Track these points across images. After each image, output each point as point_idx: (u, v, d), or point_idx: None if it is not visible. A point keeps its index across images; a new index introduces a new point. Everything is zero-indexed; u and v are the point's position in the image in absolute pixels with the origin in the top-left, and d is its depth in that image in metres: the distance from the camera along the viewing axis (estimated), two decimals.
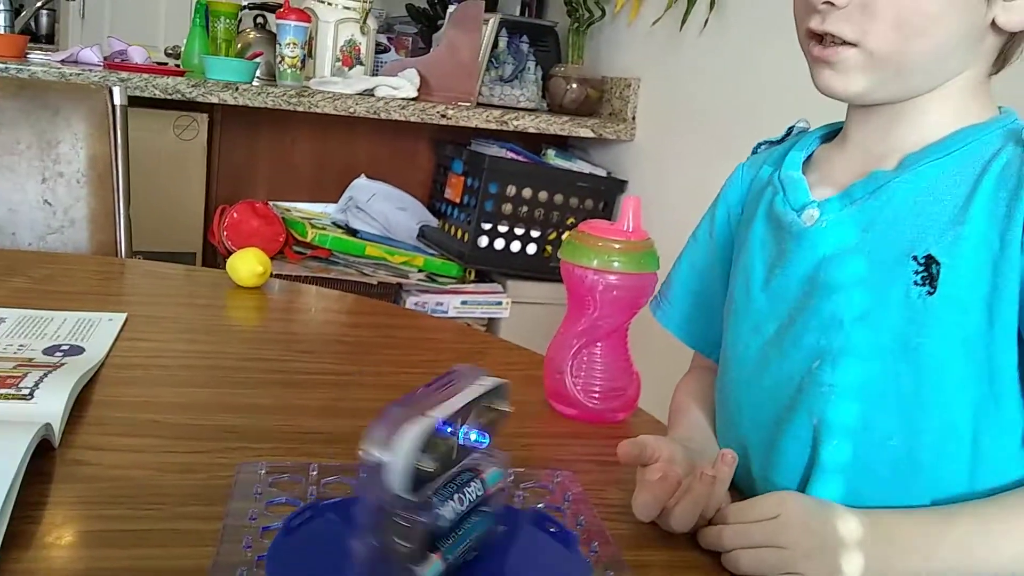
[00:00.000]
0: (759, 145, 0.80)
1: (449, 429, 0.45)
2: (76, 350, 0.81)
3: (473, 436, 0.47)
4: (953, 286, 0.59)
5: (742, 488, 0.69)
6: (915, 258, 0.61)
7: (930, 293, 0.60)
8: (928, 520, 0.59)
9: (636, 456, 0.63)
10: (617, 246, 0.78)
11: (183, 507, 0.58)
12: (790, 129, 0.78)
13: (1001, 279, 0.58)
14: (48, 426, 0.62)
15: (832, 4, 0.62)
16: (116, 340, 0.85)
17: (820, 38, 0.64)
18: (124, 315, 0.92)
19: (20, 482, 0.54)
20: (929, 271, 0.60)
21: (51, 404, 0.66)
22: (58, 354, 0.79)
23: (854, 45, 0.62)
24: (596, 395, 0.80)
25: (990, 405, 0.60)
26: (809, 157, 0.73)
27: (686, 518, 0.60)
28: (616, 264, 0.77)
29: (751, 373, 0.69)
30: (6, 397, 0.66)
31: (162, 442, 0.68)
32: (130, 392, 0.76)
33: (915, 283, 0.61)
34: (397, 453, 0.41)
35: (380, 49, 2.45)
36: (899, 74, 0.63)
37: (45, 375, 0.71)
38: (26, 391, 0.67)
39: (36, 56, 2.16)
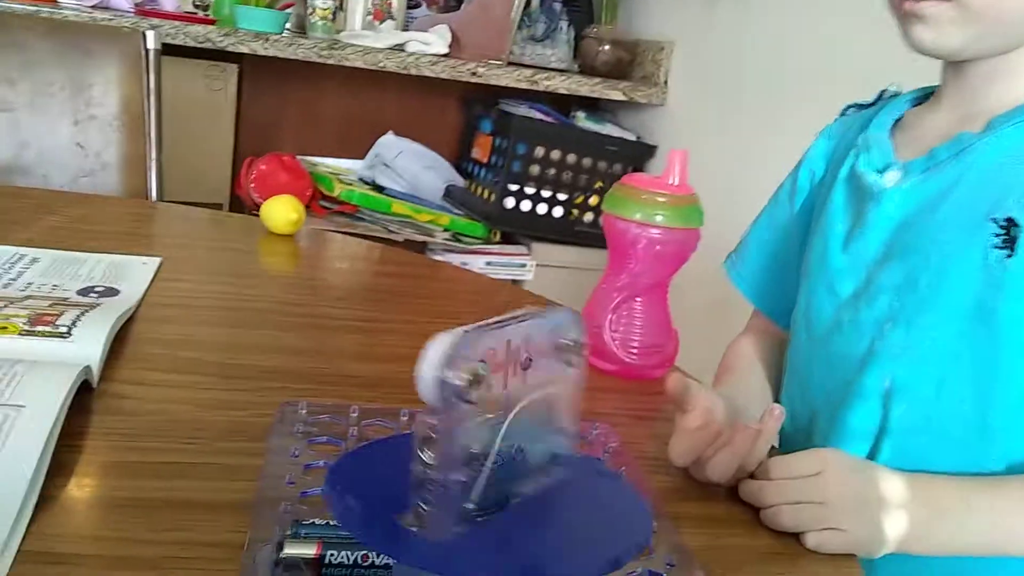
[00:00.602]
0: (848, 108, 0.79)
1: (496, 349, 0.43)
2: (111, 292, 0.80)
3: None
4: None
5: None
6: (995, 220, 0.60)
7: (1009, 256, 0.59)
8: (971, 487, 0.58)
9: (680, 393, 0.61)
10: (661, 199, 0.76)
11: (224, 442, 0.58)
12: (882, 93, 0.76)
13: None
14: (88, 368, 0.61)
15: None
16: (151, 284, 0.84)
17: None
18: (159, 259, 0.91)
19: (62, 424, 0.54)
20: (1009, 234, 0.59)
21: (89, 344, 0.65)
22: (92, 295, 0.79)
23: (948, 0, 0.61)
24: (635, 351, 0.79)
25: None
26: (899, 121, 0.71)
27: (724, 469, 0.59)
28: (659, 218, 0.76)
29: (824, 335, 0.69)
30: (44, 335, 0.65)
31: (201, 379, 0.67)
32: (168, 330, 0.76)
33: (995, 246, 0.60)
34: (424, 364, 0.40)
35: (412, 4, 2.42)
36: (994, 28, 0.62)
37: (82, 313, 0.70)
38: (63, 329, 0.66)
39: (67, 1, 2.15)
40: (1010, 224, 0.59)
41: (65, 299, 0.76)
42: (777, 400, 0.75)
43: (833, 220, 0.71)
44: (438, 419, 0.39)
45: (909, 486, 0.58)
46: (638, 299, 0.79)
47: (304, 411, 0.61)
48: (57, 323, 0.67)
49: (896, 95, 0.75)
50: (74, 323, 0.67)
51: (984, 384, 0.60)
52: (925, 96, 0.72)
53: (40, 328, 0.66)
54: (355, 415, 0.62)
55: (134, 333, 0.73)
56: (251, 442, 0.57)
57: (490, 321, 0.41)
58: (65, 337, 0.65)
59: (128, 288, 0.82)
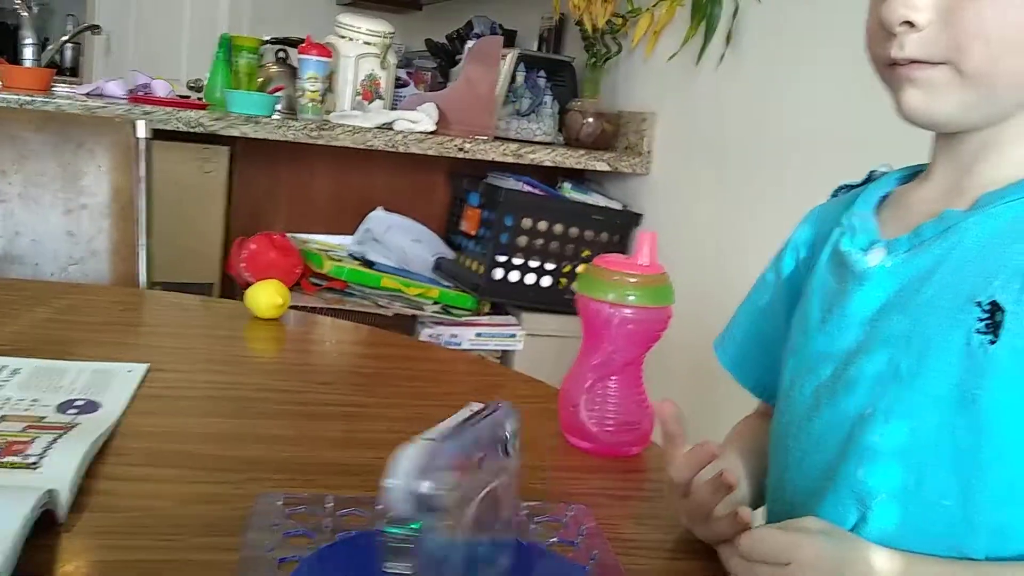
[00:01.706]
0: (839, 189, 0.77)
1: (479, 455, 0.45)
2: (91, 406, 0.78)
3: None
4: (1019, 336, 0.55)
5: None
6: (979, 304, 0.57)
7: (992, 342, 0.56)
8: (956, 570, 0.56)
9: (671, 419, 0.65)
10: (633, 280, 0.78)
11: (201, 538, 0.59)
12: (871, 173, 0.74)
13: None
14: (52, 494, 0.59)
15: (912, 25, 0.58)
16: (134, 396, 0.82)
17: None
18: (144, 366, 0.89)
19: (19, 549, 0.52)
20: (993, 318, 0.56)
21: (58, 476, 0.62)
22: (72, 411, 0.77)
23: (943, 64, 0.58)
24: (610, 428, 0.80)
25: None
26: (886, 198, 0.69)
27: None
28: (632, 298, 0.78)
29: (803, 417, 0.66)
30: (11, 466, 0.63)
31: (182, 472, 0.68)
32: (151, 422, 0.77)
33: (977, 331, 0.56)
34: (396, 476, 0.41)
35: (399, 83, 2.48)
36: (988, 94, 0.59)
37: (55, 440, 0.68)
38: (33, 459, 0.65)
39: (61, 89, 2.20)
40: (994, 308, 0.56)
41: (42, 418, 0.74)
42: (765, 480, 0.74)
43: (814, 300, 0.68)
44: (411, 532, 0.41)
45: (897, 568, 0.55)
46: (613, 377, 0.81)
47: (281, 503, 0.62)
48: (27, 453, 0.65)
49: (885, 174, 0.72)
50: (45, 452, 0.66)
51: (967, 479, 0.56)
52: (915, 173, 0.69)
53: (8, 459, 0.64)
54: (331, 505, 0.62)
55: (119, 428, 0.74)
56: (229, 536, 0.58)
57: (449, 426, 0.43)
58: (33, 468, 0.63)
59: (111, 400, 0.80)
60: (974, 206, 0.60)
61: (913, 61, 0.59)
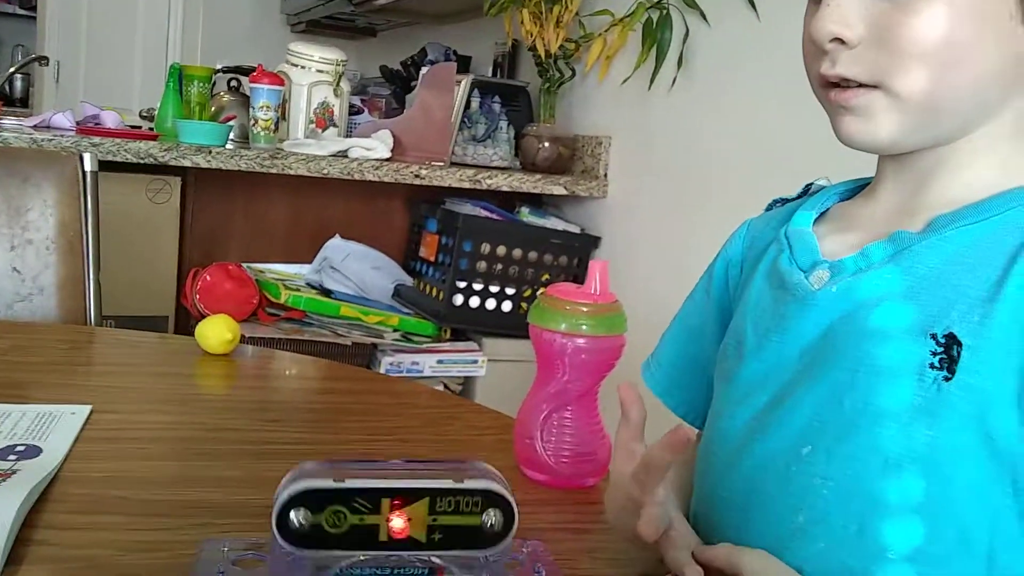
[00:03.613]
0: (774, 202, 0.72)
1: (361, 502, 0.44)
2: (32, 451, 0.76)
3: (398, 522, 0.46)
4: (975, 373, 0.51)
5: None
6: (933, 336, 0.52)
7: (947, 379, 0.51)
8: None
9: (635, 405, 0.60)
10: (585, 309, 0.78)
11: None
12: (808, 186, 0.69)
13: None
14: None
15: (842, 43, 0.55)
16: (77, 439, 0.79)
17: (836, 85, 0.57)
18: (88, 408, 0.86)
19: None
20: (949, 352, 0.51)
21: None
22: (11, 457, 0.75)
23: (875, 87, 0.55)
24: (566, 460, 0.79)
25: (1011, 521, 0.51)
26: (824, 214, 0.64)
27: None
28: (584, 327, 0.77)
29: (732, 452, 0.61)
30: None
31: (125, 519, 0.66)
32: (95, 467, 0.75)
33: (931, 365, 0.52)
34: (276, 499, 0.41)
35: (354, 111, 2.47)
36: (931, 117, 0.55)
37: None
38: None
39: (8, 121, 2.17)
40: (950, 341, 0.51)
41: None
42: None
43: (748, 323, 0.62)
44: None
45: None
46: (568, 408, 0.80)
47: (227, 549, 0.60)
48: None
49: (823, 188, 0.67)
50: None
51: (913, 528, 0.51)
52: (856, 189, 0.65)
53: None
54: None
55: (61, 473, 0.72)
56: None
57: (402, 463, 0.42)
58: None
59: (53, 444, 0.78)
60: (927, 229, 0.56)
61: (845, 79, 0.56)
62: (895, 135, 0.56)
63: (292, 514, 0.43)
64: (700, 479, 0.67)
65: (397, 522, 0.46)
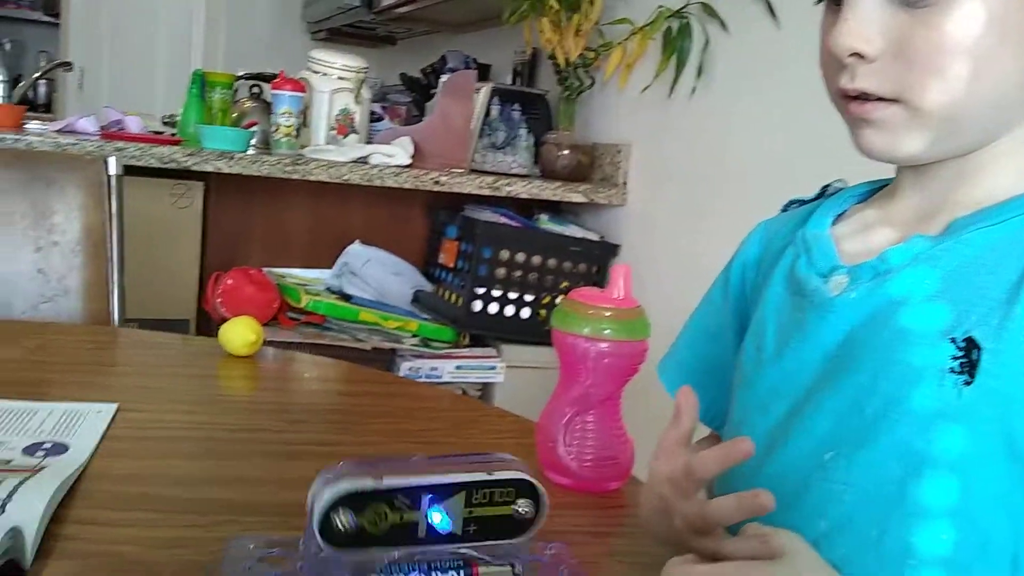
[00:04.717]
0: (790, 203, 0.71)
1: (402, 500, 0.44)
2: (59, 448, 0.77)
3: (438, 517, 0.46)
4: (996, 377, 0.50)
5: None
6: (953, 340, 0.52)
7: (967, 383, 0.50)
8: None
9: (691, 410, 0.55)
10: (608, 313, 0.78)
11: None
12: (825, 188, 0.69)
13: None
14: (16, 538, 0.57)
15: (861, 57, 0.54)
16: (103, 437, 0.80)
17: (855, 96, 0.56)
18: (114, 406, 0.87)
19: None
20: (969, 356, 0.51)
21: (23, 520, 0.60)
22: (40, 453, 0.76)
23: (895, 101, 0.55)
24: (589, 464, 0.79)
25: None
26: (841, 216, 0.63)
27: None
28: (607, 331, 0.78)
29: (754, 460, 0.57)
30: None
31: (152, 516, 0.67)
32: (121, 465, 0.76)
33: (951, 370, 0.51)
34: (315, 502, 0.42)
35: (374, 118, 2.48)
36: (952, 130, 0.55)
37: (21, 483, 0.66)
38: None
39: (33, 126, 2.19)
40: (970, 345, 0.51)
41: (8, 461, 0.73)
42: None
43: (766, 327, 0.62)
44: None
45: None
46: (591, 412, 0.80)
47: (253, 546, 0.61)
48: None
49: (840, 191, 0.67)
50: (10, 495, 0.64)
51: (932, 535, 0.51)
52: (873, 191, 0.64)
53: None
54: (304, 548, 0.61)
55: (88, 470, 0.73)
56: None
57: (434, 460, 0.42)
58: None
59: (79, 442, 0.79)
60: (946, 231, 0.55)
61: (865, 93, 0.55)
62: (916, 149, 0.56)
63: (334, 516, 0.43)
64: (721, 486, 0.65)
65: (436, 517, 0.47)
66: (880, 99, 0.55)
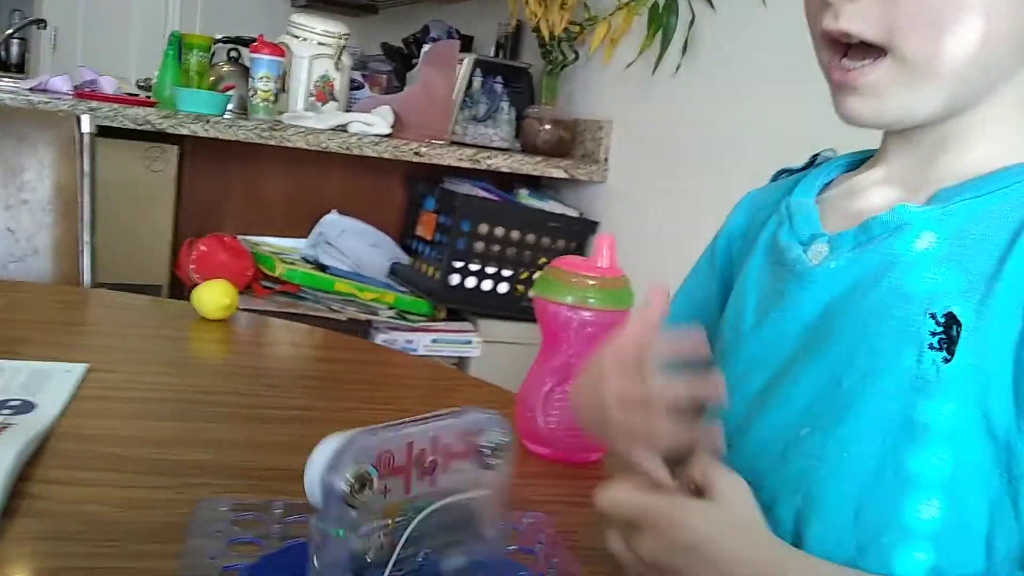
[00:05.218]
0: (780, 173, 0.70)
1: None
2: (27, 407, 0.75)
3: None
4: (975, 354, 0.49)
5: None
6: (933, 316, 0.50)
7: (946, 360, 0.49)
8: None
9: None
10: (592, 282, 0.77)
11: (141, 544, 0.56)
12: (814, 157, 0.67)
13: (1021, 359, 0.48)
14: None
15: None
16: (72, 397, 0.78)
17: (842, 51, 0.54)
18: (84, 366, 0.85)
19: None
20: (948, 333, 0.50)
21: None
22: (5, 411, 0.74)
23: (882, 53, 0.53)
24: (568, 434, 0.79)
25: (1007, 506, 0.49)
26: (828, 185, 0.62)
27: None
28: (591, 300, 0.76)
29: (733, 432, 0.57)
30: None
31: (122, 476, 0.65)
32: (91, 424, 0.74)
33: (930, 346, 0.50)
34: (309, 466, 0.40)
35: (354, 86, 2.45)
36: (938, 84, 0.53)
37: None
38: None
39: (5, 84, 2.14)
40: (950, 321, 0.49)
41: None
42: None
43: (747, 297, 0.61)
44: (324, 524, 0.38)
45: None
46: (572, 382, 0.79)
47: (225, 508, 0.59)
48: None
49: (830, 159, 0.66)
50: None
51: (909, 512, 0.50)
52: (862, 160, 0.62)
53: None
54: (279, 511, 0.60)
55: (56, 429, 0.71)
56: (170, 543, 0.55)
57: (392, 423, 0.41)
58: None
59: (47, 400, 0.77)
60: (930, 201, 0.54)
61: (848, 34, 0.53)
62: (903, 111, 0.54)
63: (336, 481, 0.41)
64: None
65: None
66: (866, 51, 0.53)
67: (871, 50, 0.53)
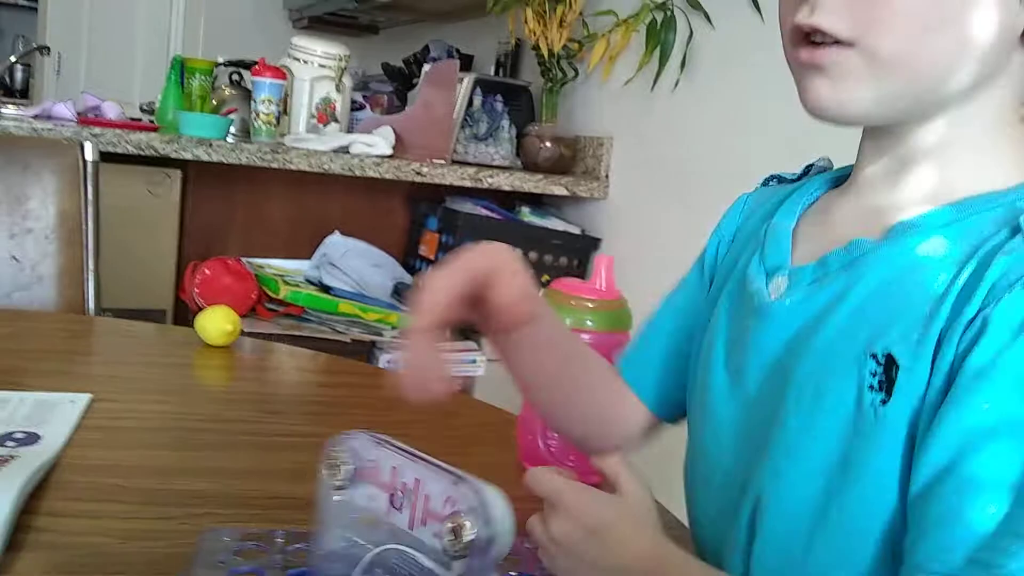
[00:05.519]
0: (769, 179, 0.68)
1: None
2: (31, 439, 0.76)
3: None
4: (911, 396, 0.48)
5: None
6: (874, 356, 0.49)
7: (884, 402, 0.48)
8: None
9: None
10: (590, 304, 0.77)
11: None
12: (808, 168, 0.65)
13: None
14: None
15: None
16: (76, 427, 0.79)
17: (807, 38, 0.52)
18: (88, 396, 0.86)
19: None
20: (888, 374, 0.48)
21: None
22: (10, 443, 0.74)
23: (851, 46, 0.50)
24: (571, 458, 0.79)
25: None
26: (811, 205, 0.60)
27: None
28: (589, 323, 0.77)
29: (707, 469, 0.60)
30: None
31: (125, 508, 0.66)
32: (95, 455, 0.74)
33: (870, 387, 0.49)
34: None
35: (355, 107, 2.46)
36: (910, 83, 0.51)
37: None
38: None
39: (9, 111, 2.16)
40: (889, 362, 0.48)
41: None
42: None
43: (719, 327, 0.60)
44: None
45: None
46: None
47: (228, 539, 0.60)
48: None
49: (824, 170, 0.63)
50: None
51: (846, 551, 0.50)
52: (846, 176, 0.59)
53: None
54: (280, 540, 0.60)
55: (60, 460, 0.71)
56: (174, 574, 0.56)
57: (398, 445, 0.42)
58: None
59: (51, 431, 0.77)
60: (885, 236, 0.52)
61: (820, 31, 0.51)
62: (868, 102, 0.51)
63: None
64: (687, 492, 0.66)
65: None
66: (836, 43, 0.51)
67: (842, 46, 0.51)
